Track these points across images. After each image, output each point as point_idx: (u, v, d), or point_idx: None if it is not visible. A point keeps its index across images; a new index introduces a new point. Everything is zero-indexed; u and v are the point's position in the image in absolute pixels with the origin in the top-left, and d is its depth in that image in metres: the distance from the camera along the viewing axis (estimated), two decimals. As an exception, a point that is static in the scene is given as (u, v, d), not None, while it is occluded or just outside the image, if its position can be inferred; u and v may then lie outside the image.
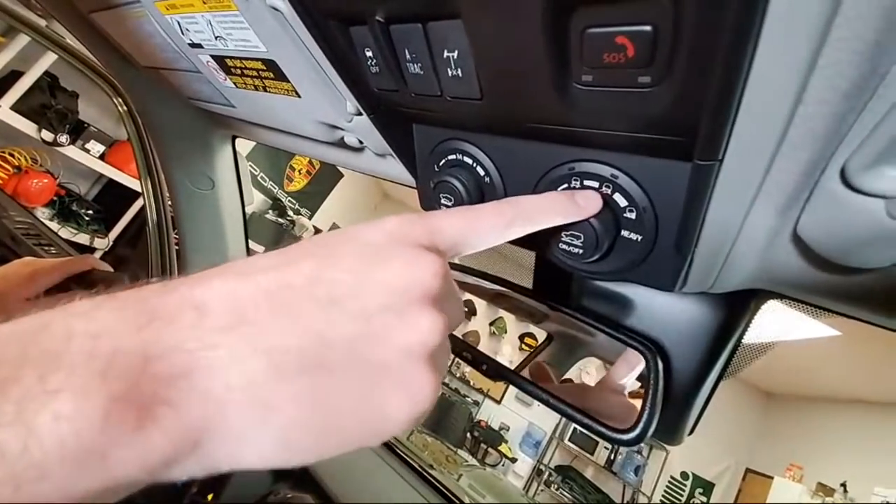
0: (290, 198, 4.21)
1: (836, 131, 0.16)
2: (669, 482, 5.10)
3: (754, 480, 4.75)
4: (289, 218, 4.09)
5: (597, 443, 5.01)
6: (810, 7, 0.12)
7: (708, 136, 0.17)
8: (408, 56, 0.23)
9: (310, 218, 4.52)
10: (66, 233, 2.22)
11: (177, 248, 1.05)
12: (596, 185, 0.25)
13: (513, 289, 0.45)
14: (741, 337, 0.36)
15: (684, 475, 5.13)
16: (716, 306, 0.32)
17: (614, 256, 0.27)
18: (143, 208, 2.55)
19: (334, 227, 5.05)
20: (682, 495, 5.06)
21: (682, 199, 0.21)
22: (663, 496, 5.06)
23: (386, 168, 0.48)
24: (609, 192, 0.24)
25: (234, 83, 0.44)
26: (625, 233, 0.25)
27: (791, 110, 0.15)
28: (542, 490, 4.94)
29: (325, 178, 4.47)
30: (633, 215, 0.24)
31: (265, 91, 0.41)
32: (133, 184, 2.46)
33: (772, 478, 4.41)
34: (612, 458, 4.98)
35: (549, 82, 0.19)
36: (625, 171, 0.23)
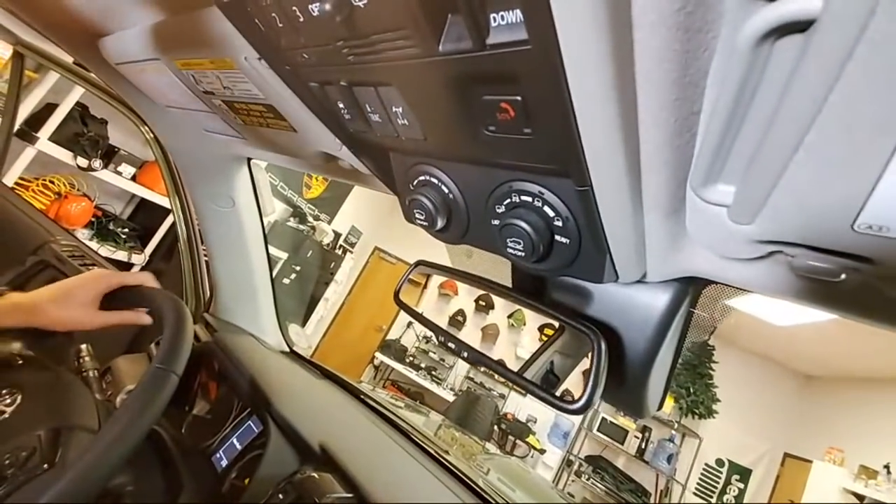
0: (309, 205, 4.34)
1: (680, 158, 0.21)
2: (704, 469, 5.03)
3: (793, 465, 4.63)
4: (309, 224, 4.23)
5: (626, 432, 4.98)
6: (607, 90, 0.17)
7: (574, 170, 0.22)
8: (368, 109, 0.29)
9: (329, 223, 4.65)
10: (105, 251, 2.39)
11: (206, 260, 1.15)
12: (530, 199, 0.30)
13: (497, 288, 0.50)
14: (688, 319, 0.40)
15: (719, 462, 5.04)
16: (657, 294, 0.37)
17: (553, 257, 0.32)
18: (173, 225, 2.71)
19: (353, 229, 5.17)
20: (718, 482, 4.98)
21: (582, 211, 0.26)
22: (698, 484, 4.99)
23: (376, 183, 0.54)
24: (540, 205, 0.30)
25: (243, 121, 0.51)
26: (557, 237, 0.31)
27: (627, 149, 0.20)
28: (572, 480, 4.95)
29: (341, 184, 4.59)
30: (560, 223, 0.29)
31: (268, 127, 0.48)
32: (164, 201, 2.62)
33: (811, 462, 4.28)
34: (643, 447, 4.95)
35: (467, 130, 0.25)
36: (548, 188, 0.28)
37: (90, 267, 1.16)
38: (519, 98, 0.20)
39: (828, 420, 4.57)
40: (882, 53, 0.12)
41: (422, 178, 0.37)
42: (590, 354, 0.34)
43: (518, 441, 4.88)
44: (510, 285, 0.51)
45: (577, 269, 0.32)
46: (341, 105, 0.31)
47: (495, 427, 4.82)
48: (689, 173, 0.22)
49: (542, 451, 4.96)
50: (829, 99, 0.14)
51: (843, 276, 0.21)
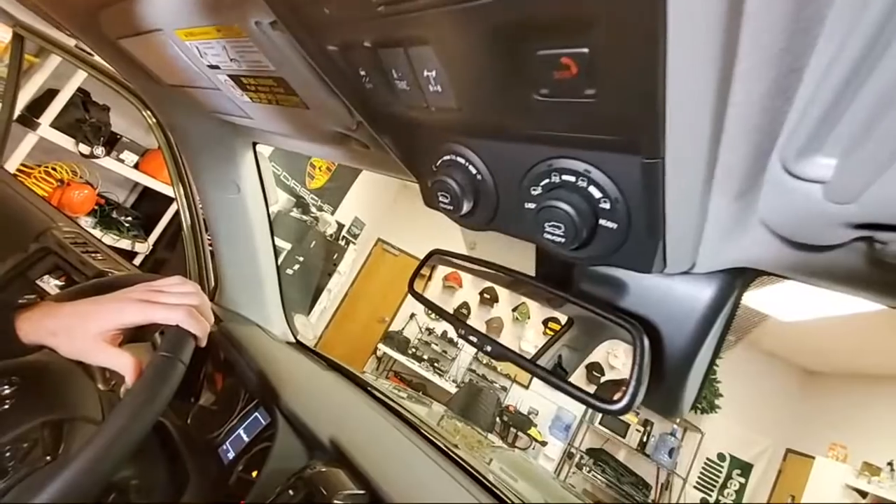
0: (312, 195, 4.31)
1: (771, 124, 0.18)
2: (706, 464, 5.04)
3: (795, 461, 4.63)
4: (312, 215, 4.20)
5: (628, 426, 4.99)
6: (711, 35, 0.14)
7: (646, 138, 0.19)
8: (395, 75, 0.26)
9: (332, 213, 4.62)
10: (108, 239, 2.38)
11: (210, 249, 1.13)
12: (573, 179, 0.27)
13: (518, 277, 0.47)
14: (732, 313, 0.37)
15: (721, 456, 5.05)
16: (703, 286, 0.34)
17: (596, 243, 0.29)
18: (177, 212, 2.69)
19: (356, 220, 5.15)
20: (719, 476, 4.99)
21: (643, 190, 0.23)
22: (699, 478, 5.01)
23: (391, 166, 0.51)
24: (585, 185, 0.27)
25: (250, 98, 0.48)
26: (602, 221, 0.28)
27: (715, 112, 0.17)
28: (573, 472, 4.97)
29: (344, 174, 4.55)
30: (607, 205, 0.26)
31: (278, 104, 0.45)
32: (166, 189, 2.59)
33: (814, 458, 4.28)
34: (644, 440, 4.96)
35: (512, 96, 0.22)
36: (597, 165, 0.25)
37: (93, 255, 1.14)
38: (586, 50, 0.17)
39: (831, 416, 4.55)
40: None
41: (447, 157, 0.34)
42: (632, 351, 0.31)
43: (520, 433, 4.90)
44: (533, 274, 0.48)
45: (622, 257, 0.29)
46: (363, 72, 0.28)
47: (497, 419, 4.84)
48: (773, 145, 0.19)
49: (544, 444, 4.98)
50: None
51: None
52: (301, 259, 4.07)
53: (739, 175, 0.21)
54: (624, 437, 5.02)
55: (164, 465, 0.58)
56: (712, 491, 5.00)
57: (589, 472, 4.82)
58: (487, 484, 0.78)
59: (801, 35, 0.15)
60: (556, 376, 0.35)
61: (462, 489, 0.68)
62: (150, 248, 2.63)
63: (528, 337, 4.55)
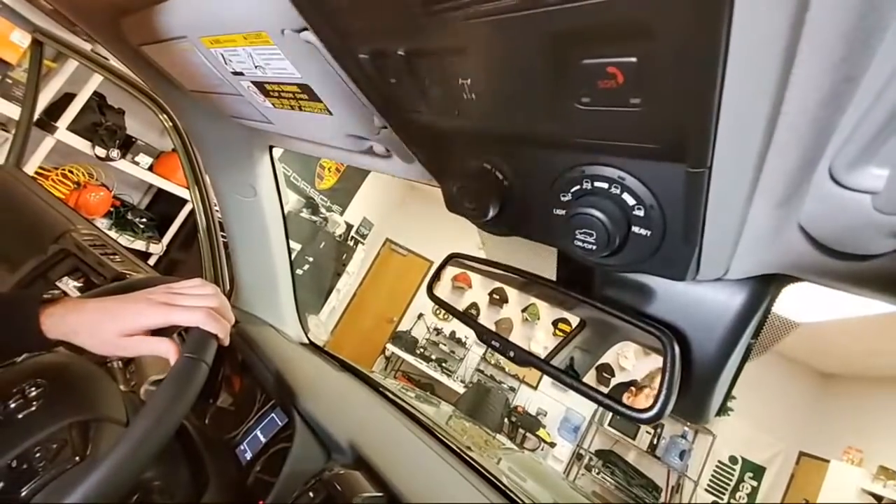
0: (321, 195, 4.33)
1: (821, 134, 0.18)
2: (717, 466, 4.97)
3: (809, 464, 4.55)
4: (322, 215, 4.23)
5: (638, 428, 4.95)
6: (773, 42, 0.14)
7: (694, 148, 0.19)
8: (429, 82, 0.26)
9: (341, 214, 4.65)
10: (124, 241, 2.42)
11: (226, 250, 1.14)
12: (605, 185, 0.27)
13: (538, 281, 0.47)
14: (763, 320, 0.37)
15: (733, 459, 4.98)
16: (734, 292, 0.34)
17: (628, 251, 0.29)
18: (191, 213, 2.71)
19: (365, 221, 5.17)
20: (730, 479, 4.92)
21: (683, 198, 0.23)
22: (711, 481, 4.95)
23: (412, 171, 0.51)
24: (618, 192, 0.26)
25: (273, 104, 0.48)
26: (635, 229, 0.27)
27: (768, 121, 0.17)
28: (582, 474, 4.94)
29: (353, 174, 4.57)
30: (641, 213, 0.26)
31: (301, 110, 0.45)
32: (180, 191, 2.63)
33: (828, 461, 4.20)
34: (654, 442, 4.91)
35: (551, 104, 0.21)
36: (631, 173, 0.25)
37: (111, 256, 1.16)
38: (634, 60, 0.17)
39: (846, 419, 4.47)
40: None
41: (475, 162, 0.34)
42: (662, 358, 0.31)
43: (528, 434, 4.88)
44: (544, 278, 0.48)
45: (654, 264, 0.29)
46: (394, 80, 0.28)
47: (506, 419, 4.83)
48: (821, 154, 0.19)
49: (553, 445, 4.96)
50: None
51: None
52: (311, 259, 4.10)
53: (784, 183, 0.21)
54: (634, 438, 4.97)
55: (184, 465, 0.59)
56: (724, 494, 4.94)
57: (598, 473, 4.78)
58: (500, 486, 0.78)
59: (860, 44, 0.15)
60: (580, 383, 0.35)
61: (477, 492, 0.68)
62: (164, 248, 2.66)
63: (537, 338, 4.51)
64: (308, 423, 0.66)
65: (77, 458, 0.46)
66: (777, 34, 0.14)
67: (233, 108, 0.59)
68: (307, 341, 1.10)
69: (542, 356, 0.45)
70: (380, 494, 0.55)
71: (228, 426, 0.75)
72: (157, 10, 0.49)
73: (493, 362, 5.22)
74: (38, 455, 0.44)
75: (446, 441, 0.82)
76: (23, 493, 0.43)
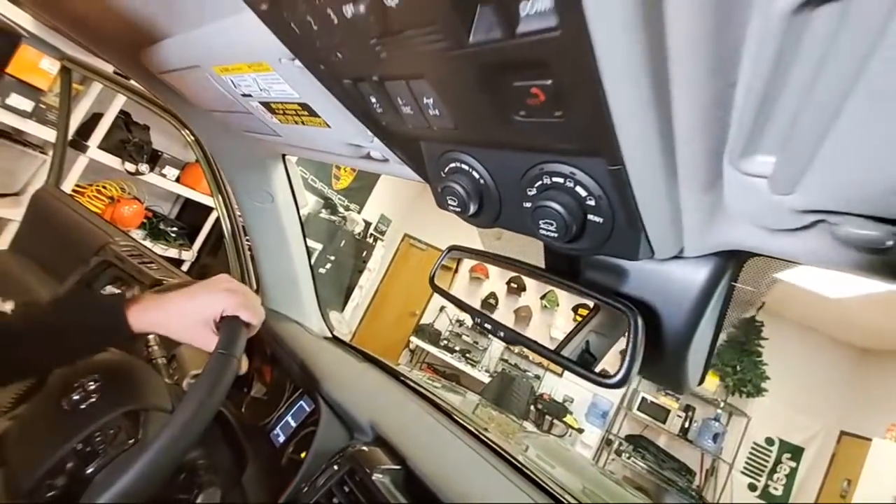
0: (339, 195, 4.43)
1: (716, 130, 0.21)
2: (753, 448, 4.87)
3: (850, 443, 4.40)
4: (340, 214, 4.33)
5: (668, 412, 4.88)
6: (639, 66, 0.18)
7: (606, 151, 0.22)
8: (400, 101, 0.30)
9: (359, 212, 4.74)
10: (158, 249, 2.56)
11: (250, 252, 1.21)
12: (561, 180, 0.30)
13: (530, 269, 0.51)
14: (730, 292, 0.40)
15: (769, 441, 4.87)
16: (696, 269, 0.37)
17: (587, 237, 0.32)
18: (217, 220, 2.83)
19: (382, 218, 5.26)
20: (767, 461, 4.82)
21: (616, 190, 0.26)
22: (747, 462, 4.85)
23: (408, 172, 0.56)
24: (572, 185, 0.30)
25: (279, 120, 0.53)
26: (590, 216, 0.31)
27: (660, 124, 0.20)
28: (612, 459, 4.94)
29: (368, 173, 4.63)
30: (593, 203, 0.30)
31: (303, 125, 0.50)
32: (206, 199, 2.76)
33: (870, 440, 4.05)
34: (686, 426, 4.84)
35: (497, 117, 0.25)
36: (580, 168, 0.29)
37: (149, 265, 1.26)
38: (549, 82, 0.21)
39: (888, 395, 4.29)
40: None
41: (453, 164, 0.38)
42: (626, 331, 0.35)
43: (555, 421, 4.90)
44: (543, 266, 0.51)
45: (612, 247, 0.32)
46: (373, 100, 0.32)
47: (531, 407, 4.86)
48: (723, 147, 0.22)
49: (580, 431, 4.97)
50: (868, 66, 0.14)
51: (889, 242, 0.21)
52: (332, 259, 4.22)
53: (700, 173, 0.24)
54: (664, 423, 4.91)
55: (225, 447, 0.66)
56: (760, 476, 4.83)
57: (629, 458, 4.76)
58: (517, 464, 0.82)
59: (726, 59, 0.18)
60: (553, 351, 0.39)
61: (489, 465, 0.72)
62: (195, 255, 2.80)
63: (557, 324, 4.48)
64: (332, 407, 0.73)
65: (131, 441, 0.53)
66: (640, 63, 0.18)
67: (245, 124, 0.65)
68: (330, 335, 1.17)
69: (562, 340, 0.48)
70: (398, 467, 0.60)
71: (262, 414, 0.82)
72: (171, 44, 0.55)
73: (516, 351, 5.24)
74: (98, 439, 0.52)
75: (462, 422, 0.87)
76: (88, 471, 0.51)
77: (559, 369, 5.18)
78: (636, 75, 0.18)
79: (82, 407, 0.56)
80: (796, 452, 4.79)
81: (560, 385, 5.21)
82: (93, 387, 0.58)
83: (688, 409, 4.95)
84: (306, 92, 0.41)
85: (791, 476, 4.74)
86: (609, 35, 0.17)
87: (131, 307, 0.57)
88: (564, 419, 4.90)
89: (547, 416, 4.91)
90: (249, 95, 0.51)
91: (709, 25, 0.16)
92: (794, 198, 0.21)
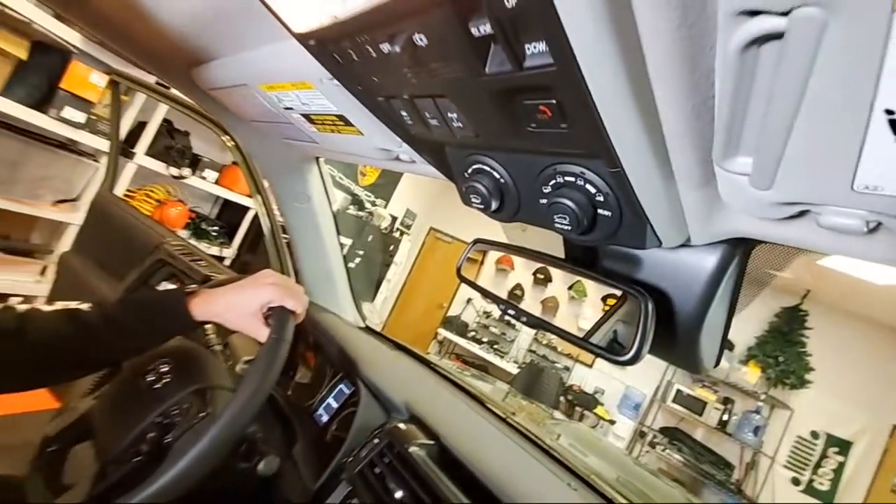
0: (365, 191, 4.53)
1: (702, 136, 0.25)
2: (797, 442, 4.68)
3: (905, 437, 4.15)
4: (367, 210, 4.44)
5: (705, 404, 4.76)
6: (622, 89, 0.21)
7: (606, 156, 0.26)
8: (428, 115, 0.34)
9: (385, 207, 4.83)
10: (202, 248, 2.73)
11: (288, 249, 1.30)
12: (572, 179, 0.34)
13: (551, 260, 0.55)
14: (740, 277, 0.42)
15: (814, 434, 4.66)
16: (705, 256, 0.40)
17: (598, 229, 0.36)
18: (254, 219, 2.97)
19: (408, 212, 5.34)
20: (812, 455, 4.62)
21: (621, 188, 0.30)
22: (790, 456, 4.67)
23: (433, 171, 0.60)
24: (583, 183, 0.34)
25: (317, 129, 0.59)
26: (600, 211, 0.34)
27: (649, 134, 0.24)
28: (646, 451, 4.87)
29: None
30: (602, 198, 0.33)
31: (339, 133, 0.56)
32: (243, 200, 2.92)
33: (927, 434, 3.81)
34: (724, 419, 4.71)
35: (513, 128, 0.29)
36: (588, 168, 0.32)
37: (198, 262, 1.37)
38: (553, 101, 0.25)
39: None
40: (838, 55, 0.15)
41: (475, 166, 0.42)
42: (638, 314, 0.38)
43: (586, 412, 4.88)
44: (563, 256, 0.55)
45: (621, 237, 0.36)
46: (404, 113, 0.37)
47: (561, 398, 4.85)
48: (710, 150, 0.26)
49: (612, 422, 4.92)
50: (808, 88, 0.17)
51: (865, 228, 0.24)
52: (361, 253, 4.34)
53: (694, 172, 0.27)
54: (700, 415, 4.78)
55: (277, 425, 0.74)
56: (805, 470, 4.64)
57: (664, 450, 4.68)
58: (547, 448, 0.86)
59: (702, 80, 0.21)
60: (570, 334, 0.43)
61: (519, 447, 0.77)
62: (235, 252, 2.97)
63: (586, 314, 4.45)
64: (370, 389, 0.79)
65: (201, 415, 0.61)
66: (624, 87, 0.21)
67: (286, 133, 0.71)
68: (364, 325, 1.25)
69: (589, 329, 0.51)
70: (431, 442, 0.66)
71: (306, 397, 0.90)
72: (221, 64, 0.61)
73: (544, 342, 5.24)
74: (175, 412, 0.60)
75: (489, 406, 0.92)
76: (167, 440, 0.59)
77: (589, 360, 5.14)
78: (622, 96, 0.22)
79: (157, 386, 0.64)
80: (844, 447, 4.56)
81: (590, 376, 5.17)
82: (165, 369, 0.66)
83: (726, 401, 4.81)
84: (343, 106, 0.46)
85: (838, 471, 4.53)
86: (596, 68, 0.20)
87: (192, 300, 0.65)
88: (595, 410, 4.87)
89: (577, 407, 4.89)
90: (291, 108, 0.56)
91: (683, 58, 0.19)
92: (772, 193, 0.24)
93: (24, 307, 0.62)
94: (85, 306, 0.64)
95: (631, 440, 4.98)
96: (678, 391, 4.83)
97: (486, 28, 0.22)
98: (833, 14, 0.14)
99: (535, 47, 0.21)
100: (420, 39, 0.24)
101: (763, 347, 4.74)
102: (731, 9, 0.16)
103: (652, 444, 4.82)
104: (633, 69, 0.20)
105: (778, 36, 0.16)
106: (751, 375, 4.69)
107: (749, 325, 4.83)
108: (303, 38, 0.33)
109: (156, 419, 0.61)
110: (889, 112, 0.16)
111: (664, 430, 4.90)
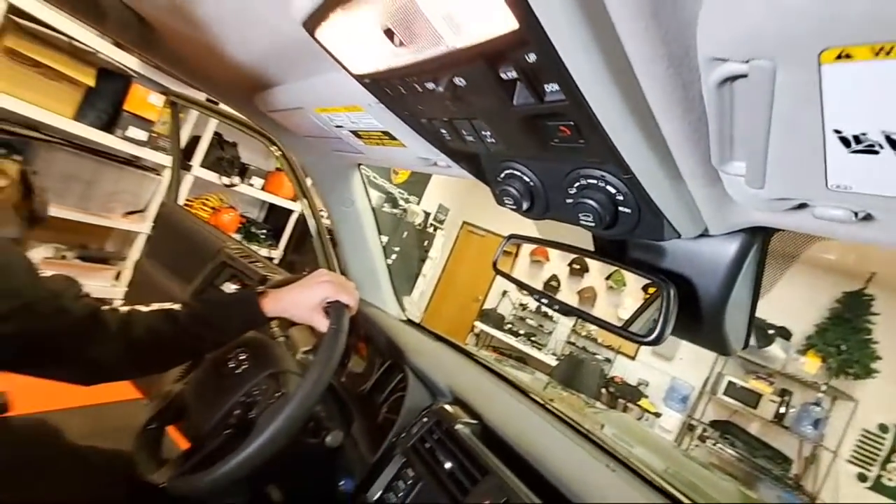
0: (398, 189, 4.65)
1: (701, 144, 0.29)
2: (863, 435, 4.37)
3: None
4: (401, 207, 4.55)
5: (760, 396, 4.53)
6: (625, 116, 0.26)
7: (619, 166, 0.31)
8: (464, 133, 0.40)
9: (418, 203, 4.93)
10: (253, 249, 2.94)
11: (334, 248, 1.40)
12: (595, 181, 0.39)
13: (582, 251, 0.59)
14: (761, 263, 0.45)
15: (883, 428, 4.33)
16: (725, 245, 0.43)
17: (620, 224, 0.40)
18: (297, 221, 3.14)
19: (440, 207, 5.42)
20: (880, 449, 4.30)
21: (636, 190, 0.34)
22: (855, 451, 4.37)
23: (469, 174, 0.66)
24: (603, 185, 0.38)
25: (364, 143, 0.66)
26: (621, 208, 0.39)
27: (653, 147, 0.28)
28: (696, 445, 4.71)
29: (426, 166, 4.78)
30: (622, 197, 0.38)
31: (384, 146, 0.63)
32: (286, 203, 3.10)
33: None
34: (781, 411, 4.46)
35: (539, 143, 0.35)
36: (609, 172, 0.37)
37: (255, 264, 1.50)
38: (572, 122, 0.30)
39: None
40: (789, 91, 0.19)
41: (507, 171, 0.48)
42: (661, 299, 0.42)
43: (629, 404, 4.78)
44: (592, 248, 0.59)
45: (642, 231, 0.40)
46: (444, 131, 0.43)
47: (603, 390, 4.79)
48: (709, 155, 0.30)
49: (658, 415, 4.79)
50: (774, 113, 0.21)
51: (854, 217, 0.27)
52: (397, 250, 4.47)
53: (700, 174, 0.31)
54: (755, 408, 4.54)
55: (336, 406, 0.83)
56: (872, 466, 4.33)
57: (715, 444, 4.50)
58: (582, 430, 0.91)
59: (694, 102, 0.26)
60: (592, 316, 0.47)
61: (558, 432, 0.82)
62: (282, 253, 3.17)
63: (626, 304, 4.36)
64: (417, 374, 0.87)
65: (277, 395, 0.70)
66: (626, 115, 0.26)
67: (335, 146, 0.79)
68: (405, 318, 1.33)
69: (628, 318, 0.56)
70: (475, 422, 0.72)
71: (359, 383, 0.99)
72: (281, 91, 0.70)
73: (583, 334, 5.18)
74: (255, 392, 0.70)
75: (525, 390, 0.97)
76: (251, 416, 0.69)
77: (631, 352, 5.03)
78: (626, 119, 0.27)
79: (237, 371, 0.75)
80: (918, 441, 4.21)
81: (633, 368, 5.06)
82: (243, 357, 0.77)
83: (783, 393, 4.54)
84: (388, 124, 0.53)
85: (912, 466, 4.19)
86: (600, 101, 0.26)
87: (263, 299, 0.75)
88: (639, 403, 4.76)
89: (620, 399, 4.81)
90: (341, 126, 0.64)
91: (675, 88, 0.24)
92: (766, 191, 0.28)
93: (125, 308, 0.74)
94: (176, 306, 0.75)
95: (679, 433, 4.83)
96: (730, 383, 4.61)
97: (512, 73, 0.27)
98: (779, 63, 0.18)
99: (552, 87, 0.26)
100: (459, 81, 0.30)
101: (823, 336, 4.43)
102: (705, 56, 0.21)
103: (702, 438, 4.64)
104: (633, 97, 0.25)
105: (744, 76, 0.21)
106: (810, 365, 4.41)
107: (807, 312, 4.53)
108: (359, 77, 0.39)
109: (240, 398, 0.71)
110: (837, 131, 0.20)
111: (715, 424, 4.71)
